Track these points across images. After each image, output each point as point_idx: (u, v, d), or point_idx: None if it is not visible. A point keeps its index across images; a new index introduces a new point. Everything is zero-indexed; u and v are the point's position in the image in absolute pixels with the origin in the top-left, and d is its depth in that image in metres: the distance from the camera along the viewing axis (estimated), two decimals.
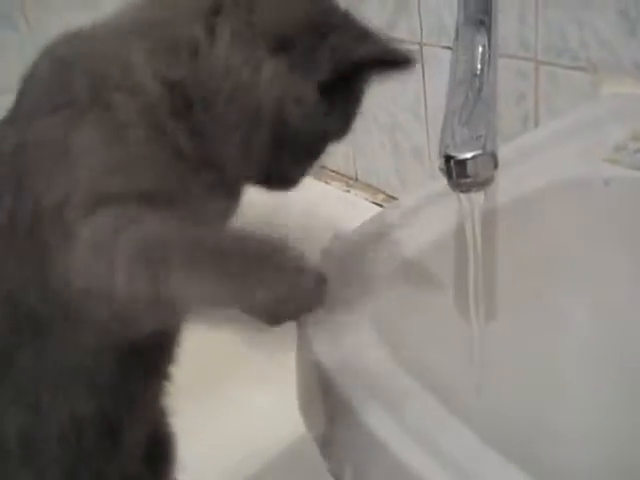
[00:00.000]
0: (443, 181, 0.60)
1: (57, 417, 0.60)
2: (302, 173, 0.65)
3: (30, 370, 0.58)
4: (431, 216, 0.74)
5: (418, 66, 1.20)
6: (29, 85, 0.61)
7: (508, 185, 0.71)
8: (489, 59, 0.59)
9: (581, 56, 0.97)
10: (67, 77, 0.58)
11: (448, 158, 0.57)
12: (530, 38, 1.03)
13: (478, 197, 0.59)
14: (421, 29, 1.20)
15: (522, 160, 0.81)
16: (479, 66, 0.58)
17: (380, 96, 1.34)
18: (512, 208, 0.77)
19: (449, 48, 1.14)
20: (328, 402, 0.62)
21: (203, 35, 0.57)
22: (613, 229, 0.79)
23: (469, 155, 0.56)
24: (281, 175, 0.64)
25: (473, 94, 0.58)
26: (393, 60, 0.60)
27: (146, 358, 0.63)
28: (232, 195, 0.64)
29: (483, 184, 0.58)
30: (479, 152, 0.56)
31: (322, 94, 0.59)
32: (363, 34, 0.60)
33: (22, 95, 0.61)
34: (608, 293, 0.80)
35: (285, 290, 0.49)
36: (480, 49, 0.60)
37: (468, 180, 0.57)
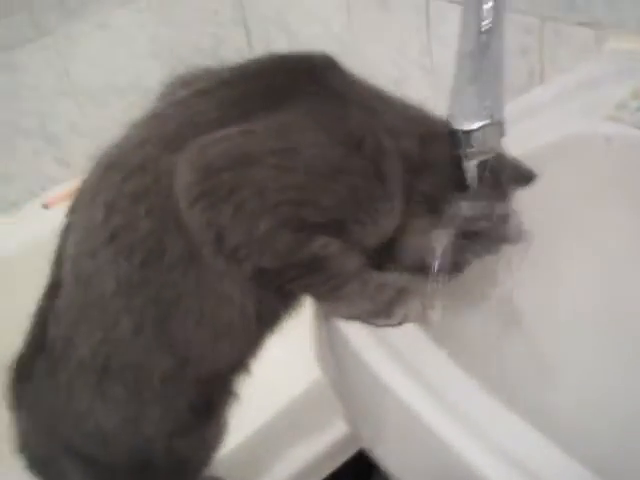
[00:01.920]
0: None
1: (198, 367, 0.70)
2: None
3: (184, 324, 0.66)
4: None
5: (423, 19, 1.23)
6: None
7: (512, 142, 0.73)
8: (497, 19, 0.60)
9: (585, 12, 0.98)
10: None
11: (455, 129, 0.59)
12: None
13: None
14: None
15: (525, 117, 0.83)
16: (486, 22, 0.59)
17: (386, 49, 1.36)
18: None
19: (455, 2, 1.16)
20: (337, 349, 0.67)
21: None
22: (614, 186, 0.81)
23: (476, 125, 0.58)
24: None
25: (480, 62, 0.59)
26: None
27: (276, 308, 0.71)
28: None
29: (490, 152, 0.60)
30: (487, 122, 0.58)
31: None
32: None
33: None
34: (609, 248, 0.82)
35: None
36: (489, 6, 0.60)
37: (474, 149, 0.60)
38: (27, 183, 1.52)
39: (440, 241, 0.66)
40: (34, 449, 0.79)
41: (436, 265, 0.66)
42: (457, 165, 0.66)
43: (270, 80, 0.67)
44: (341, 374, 0.71)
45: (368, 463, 0.69)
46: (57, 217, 0.71)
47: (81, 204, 0.69)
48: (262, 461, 1.00)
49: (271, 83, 0.67)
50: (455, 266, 0.68)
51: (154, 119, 0.68)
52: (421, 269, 0.67)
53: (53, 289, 0.71)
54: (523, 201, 0.79)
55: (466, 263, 0.70)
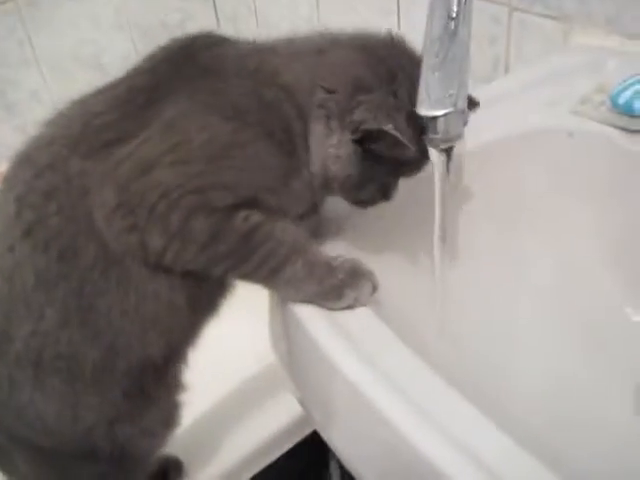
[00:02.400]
0: None
1: (128, 357, 0.71)
2: (376, 199, 0.73)
3: (108, 316, 0.68)
4: None
5: (394, 2, 1.22)
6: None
7: (475, 132, 0.74)
8: (466, 6, 0.60)
9: (554, 5, 0.99)
10: None
11: (420, 115, 0.59)
12: None
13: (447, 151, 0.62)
14: None
15: (490, 107, 0.83)
16: (455, 9, 0.59)
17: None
18: (478, 155, 0.79)
19: None
20: (290, 329, 0.68)
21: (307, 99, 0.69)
22: (575, 180, 0.82)
23: (440, 112, 0.58)
24: (355, 201, 0.74)
25: (446, 49, 0.59)
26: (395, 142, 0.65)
27: (211, 296, 0.74)
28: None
29: (453, 140, 0.60)
30: (450, 110, 0.58)
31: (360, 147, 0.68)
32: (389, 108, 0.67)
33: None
34: (567, 242, 0.83)
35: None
36: None
37: (438, 136, 0.60)
38: None
39: (335, 146, 0.68)
40: None
41: (337, 171, 0.68)
42: (365, 67, 0.68)
43: (156, 72, 0.70)
44: (293, 355, 0.71)
45: (322, 443, 0.69)
46: None
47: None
48: (217, 440, 1.01)
49: (156, 75, 0.70)
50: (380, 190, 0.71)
51: (61, 118, 0.71)
52: (330, 187, 0.70)
53: None
54: (486, 189, 0.80)
55: (391, 185, 0.72)
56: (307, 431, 1.04)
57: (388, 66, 0.69)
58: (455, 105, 0.58)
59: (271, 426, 1.02)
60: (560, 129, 0.82)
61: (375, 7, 1.29)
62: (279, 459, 1.04)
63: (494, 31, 1.08)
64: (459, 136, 0.60)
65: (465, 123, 0.60)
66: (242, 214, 0.64)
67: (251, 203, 0.65)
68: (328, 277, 0.65)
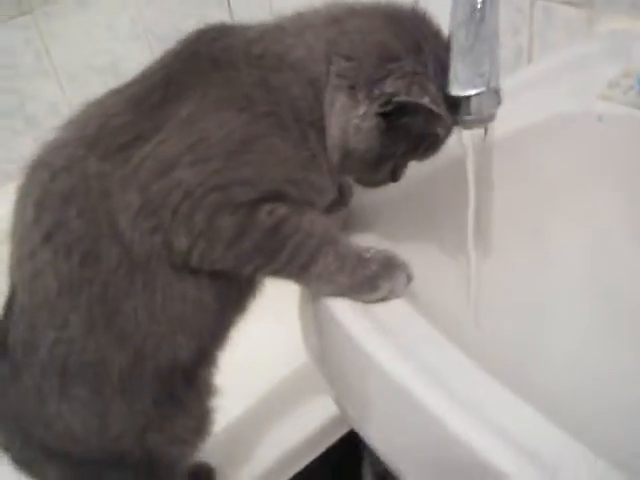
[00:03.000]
0: None
1: (156, 360, 0.70)
2: (386, 180, 0.72)
3: (135, 318, 0.66)
4: None
5: None
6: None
7: (503, 120, 0.72)
8: None
9: None
10: None
11: (451, 95, 0.58)
12: None
13: (479, 133, 0.60)
14: None
15: (517, 95, 0.82)
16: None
17: None
18: (508, 144, 0.78)
19: None
20: (323, 325, 0.66)
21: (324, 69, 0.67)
22: (606, 165, 0.81)
23: (473, 92, 0.57)
24: (366, 180, 0.73)
25: (475, 30, 0.58)
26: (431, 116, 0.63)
27: (240, 295, 0.73)
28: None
29: (486, 121, 0.59)
30: (483, 89, 0.57)
31: (384, 120, 0.65)
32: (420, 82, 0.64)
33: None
34: (600, 229, 0.81)
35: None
36: None
37: (471, 117, 0.58)
38: (5, 164, 1.49)
39: (360, 117, 0.65)
40: (13, 451, 0.78)
41: (358, 144, 0.66)
42: (390, 33, 0.65)
43: (168, 69, 0.69)
44: (326, 351, 0.70)
45: (357, 444, 0.68)
46: None
47: (16, 206, 0.69)
48: (251, 444, 1.00)
49: (168, 72, 0.68)
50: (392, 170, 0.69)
51: (75, 120, 0.70)
52: (347, 162, 0.68)
53: (11, 295, 0.71)
54: (513, 178, 0.79)
55: (401, 166, 0.70)
56: (339, 434, 1.02)
57: (413, 36, 0.66)
58: (488, 85, 0.57)
59: (303, 430, 1.00)
60: (589, 113, 0.81)
61: None
62: (310, 463, 1.03)
63: (516, 21, 1.06)
64: (493, 116, 0.59)
65: (499, 103, 0.59)
66: (267, 208, 0.63)
67: (275, 197, 0.64)
68: (361, 269, 0.63)
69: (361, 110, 0.65)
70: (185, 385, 0.75)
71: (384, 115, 0.65)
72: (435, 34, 0.67)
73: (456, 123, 0.62)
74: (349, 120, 0.66)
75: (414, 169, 0.72)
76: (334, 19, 0.68)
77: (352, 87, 0.65)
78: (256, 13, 1.62)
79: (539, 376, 0.70)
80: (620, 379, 0.74)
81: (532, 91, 0.85)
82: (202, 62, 0.68)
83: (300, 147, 0.66)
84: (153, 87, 0.67)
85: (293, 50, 0.67)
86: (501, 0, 0.62)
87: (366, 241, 0.68)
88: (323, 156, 0.67)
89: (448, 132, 0.64)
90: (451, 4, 0.59)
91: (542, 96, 0.84)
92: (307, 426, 1.00)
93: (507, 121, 0.75)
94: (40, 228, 0.66)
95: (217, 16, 1.69)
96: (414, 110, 0.63)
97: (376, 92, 0.64)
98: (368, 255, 0.65)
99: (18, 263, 0.69)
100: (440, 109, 0.61)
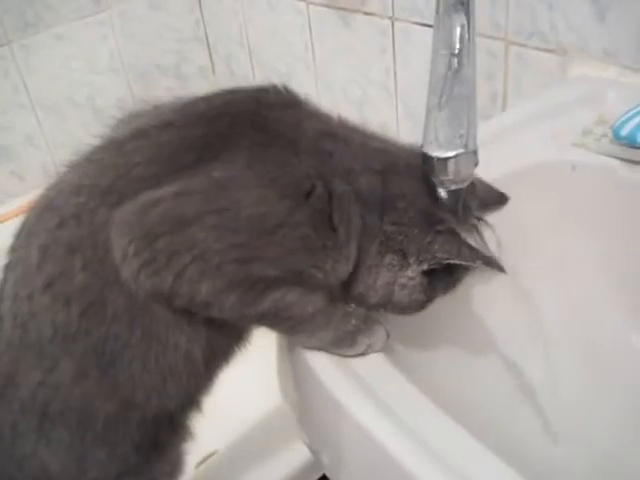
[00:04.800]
0: None
1: (144, 409, 0.69)
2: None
3: (129, 369, 0.65)
4: None
5: (388, 40, 1.23)
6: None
7: (480, 167, 0.73)
8: (468, 41, 0.60)
9: (551, 38, 0.99)
10: None
11: (429, 156, 0.58)
12: (501, 18, 1.04)
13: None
14: (393, 5, 1.21)
15: (492, 143, 0.83)
16: (458, 46, 0.59)
17: (350, 70, 1.36)
18: None
19: (420, 24, 1.16)
20: (299, 373, 0.66)
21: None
22: (579, 212, 0.82)
23: (451, 154, 0.58)
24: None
25: (451, 90, 0.59)
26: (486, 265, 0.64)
27: (228, 347, 0.71)
28: None
29: (463, 181, 0.60)
30: (461, 151, 0.57)
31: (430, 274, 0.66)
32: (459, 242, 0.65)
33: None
34: (573, 277, 0.82)
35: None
36: (458, 30, 0.60)
37: (449, 177, 0.59)
38: None
39: (408, 277, 0.65)
40: None
41: (402, 298, 0.66)
42: (427, 196, 0.65)
43: (212, 124, 0.65)
44: (303, 401, 0.70)
45: None
46: (9, 232, 0.69)
47: (20, 243, 0.68)
48: None
49: (212, 128, 0.65)
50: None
51: (91, 164, 0.66)
52: (387, 307, 0.67)
53: None
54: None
55: (435, 297, 0.69)
56: (315, 477, 1.02)
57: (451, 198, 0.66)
58: (466, 146, 0.57)
59: (279, 471, 0.99)
60: (563, 162, 0.82)
61: (369, 45, 1.29)
62: None
63: (491, 66, 1.08)
64: (470, 177, 0.60)
65: (476, 164, 0.60)
66: (278, 294, 0.62)
67: (294, 277, 0.63)
68: (343, 324, 0.63)
69: (410, 272, 0.65)
70: (169, 431, 0.75)
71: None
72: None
73: None
74: (396, 279, 0.66)
75: None
76: (377, 162, 0.67)
77: (402, 251, 0.65)
78: (233, 49, 1.63)
79: (516, 432, 0.70)
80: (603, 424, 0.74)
81: (507, 138, 0.86)
82: (258, 131, 0.64)
83: (335, 246, 0.64)
84: (191, 143, 0.64)
85: (358, 179, 0.65)
86: (476, 48, 0.63)
87: None
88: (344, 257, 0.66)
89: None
90: (430, 65, 0.60)
91: (516, 145, 0.85)
92: (280, 471, 0.99)
93: (484, 169, 0.76)
94: (43, 274, 0.64)
95: (195, 52, 1.70)
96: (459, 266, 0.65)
97: (427, 255, 0.64)
98: (349, 309, 0.65)
99: (13, 299, 0.67)
100: (480, 257, 0.63)
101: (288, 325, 0.64)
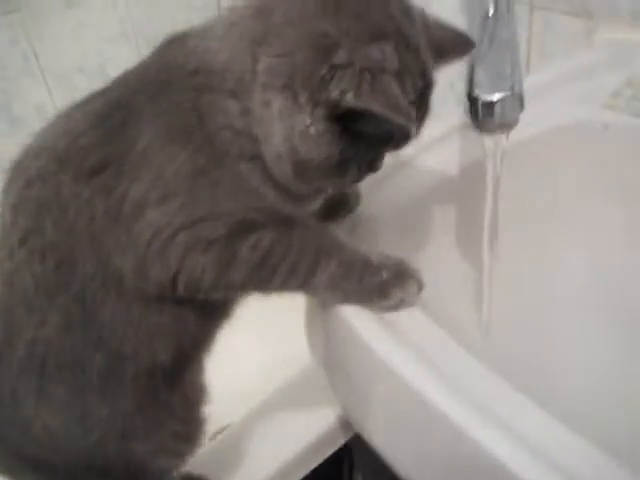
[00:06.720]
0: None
1: (135, 362, 0.68)
2: (360, 177, 0.65)
3: (111, 324, 0.65)
4: (449, 151, 0.76)
5: None
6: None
7: None
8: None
9: (576, 2, 0.97)
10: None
11: (474, 99, 0.57)
12: None
13: (501, 138, 0.60)
14: None
15: None
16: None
17: None
18: (512, 153, 0.77)
19: None
20: (330, 328, 0.65)
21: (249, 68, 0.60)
22: (610, 174, 0.81)
23: (497, 97, 0.56)
24: (336, 185, 0.67)
25: (494, 33, 0.57)
26: (386, 119, 0.56)
27: (224, 306, 0.71)
28: (308, 200, 0.68)
29: (509, 125, 0.59)
30: (507, 93, 0.56)
31: (334, 123, 0.57)
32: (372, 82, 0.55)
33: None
34: (602, 239, 0.81)
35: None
36: None
37: (495, 121, 0.58)
38: None
39: (305, 124, 0.57)
40: None
41: (310, 153, 0.58)
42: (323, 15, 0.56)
43: (127, 86, 0.66)
44: (336, 359, 0.69)
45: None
46: None
47: None
48: (241, 456, 0.97)
49: (127, 89, 0.66)
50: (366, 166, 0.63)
51: (49, 131, 0.68)
52: (303, 173, 0.61)
53: None
54: (520, 187, 0.79)
55: (376, 159, 0.63)
56: (332, 449, 1.00)
57: (367, 19, 0.56)
58: (512, 89, 0.56)
59: (297, 444, 0.98)
60: (595, 122, 0.81)
61: None
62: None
63: None
64: (516, 121, 0.59)
65: (522, 107, 0.58)
66: (249, 243, 0.61)
67: (248, 226, 0.61)
68: (369, 275, 0.61)
69: (306, 116, 0.57)
70: (168, 388, 0.73)
71: (336, 117, 0.57)
72: (405, 11, 0.59)
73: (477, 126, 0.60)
74: (293, 127, 0.58)
75: (424, 175, 0.71)
76: (261, 10, 0.60)
77: (288, 87, 0.57)
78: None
79: (551, 382, 0.70)
80: (629, 380, 0.74)
81: (534, 101, 0.84)
82: (152, 82, 0.64)
83: (240, 182, 0.63)
84: (115, 104, 0.64)
85: (217, 58, 0.61)
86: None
87: (377, 248, 0.67)
88: (268, 184, 0.63)
89: (421, 123, 0.59)
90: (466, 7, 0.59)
91: (547, 106, 0.84)
92: (300, 441, 0.97)
93: (514, 131, 0.75)
94: (17, 231, 0.65)
95: (206, 13, 1.68)
96: (367, 115, 0.55)
97: (321, 96, 0.56)
98: (377, 262, 0.62)
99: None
100: (399, 109, 0.54)
101: (296, 281, 0.62)
